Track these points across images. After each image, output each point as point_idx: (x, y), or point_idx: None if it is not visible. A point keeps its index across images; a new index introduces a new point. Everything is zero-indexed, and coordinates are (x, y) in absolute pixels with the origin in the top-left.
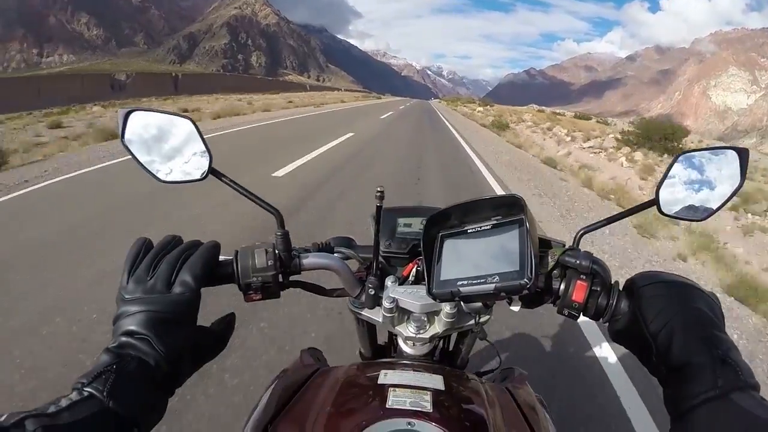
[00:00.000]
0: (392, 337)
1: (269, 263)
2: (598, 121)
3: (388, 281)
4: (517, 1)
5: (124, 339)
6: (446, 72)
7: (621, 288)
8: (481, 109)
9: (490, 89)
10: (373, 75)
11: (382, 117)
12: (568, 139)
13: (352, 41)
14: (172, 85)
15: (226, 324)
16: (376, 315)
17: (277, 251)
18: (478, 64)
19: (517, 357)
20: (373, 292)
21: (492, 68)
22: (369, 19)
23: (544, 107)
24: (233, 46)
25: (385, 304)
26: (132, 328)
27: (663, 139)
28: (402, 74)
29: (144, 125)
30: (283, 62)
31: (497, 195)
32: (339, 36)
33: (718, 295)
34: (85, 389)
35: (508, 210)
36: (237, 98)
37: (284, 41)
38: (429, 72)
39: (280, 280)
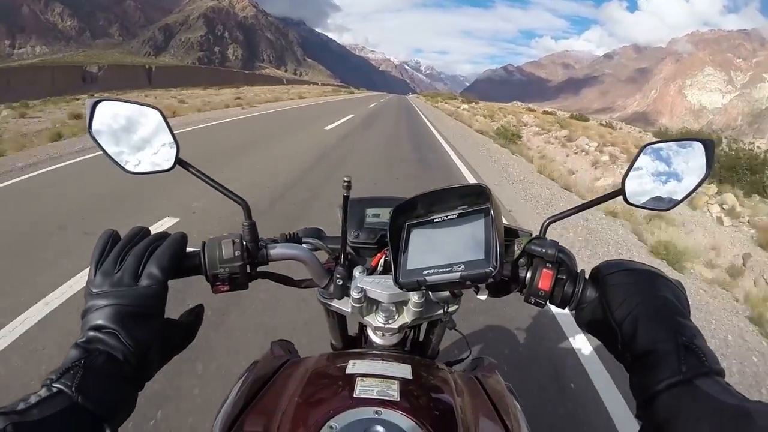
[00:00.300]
0: (362, 328)
1: (236, 254)
2: (601, 124)
3: (356, 271)
4: None
5: (92, 334)
6: (424, 67)
7: (587, 276)
8: (466, 106)
9: (468, 85)
10: (351, 69)
11: (332, 126)
12: (605, 157)
13: (330, 35)
14: (146, 77)
15: (195, 316)
16: (344, 306)
17: (244, 242)
18: (456, 59)
19: (488, 343)
20: (341, 283)
21: (470, 64)
22: (347, 13)
23: (532, 105)
24: (210, 39)
25: (353, 294)
26: (100, 322)
27: (747, 171)
28: (380, 69)
29: (111, 116)
30: (260, 55)
31: (463, 184)
32: (317, 29)
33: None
34: (54, 385)
35: (474, 199)
36: (177, 95)
37: (262, 34)
38: (407, 67)
39: (248, 271)
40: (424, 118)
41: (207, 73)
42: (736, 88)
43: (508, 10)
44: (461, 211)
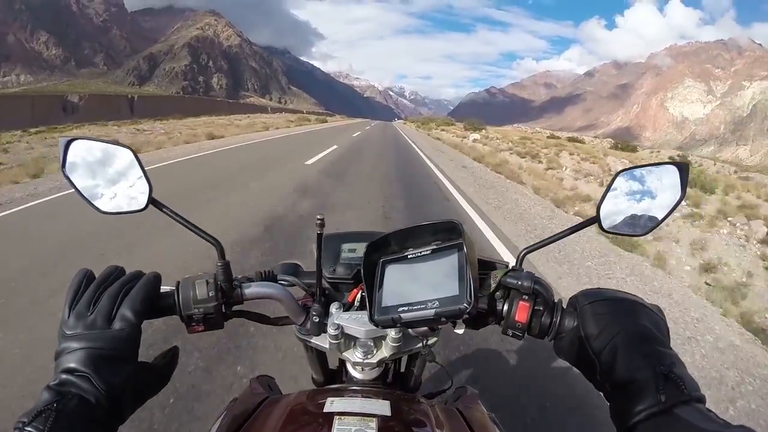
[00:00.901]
0: (342, 362)
1: (210, 294)
2: (620, 147)
3: (333, 308)
4: (478, 22)
5: (64, 377)
6: (408, 92)
7: (564, 306)
8: (477, 136)
9: (452, 108)
10: (336, 96)
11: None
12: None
13: (315, 63)
14: (128, 107)
15: (169, 359)
16: (323, 342)
17: (218, 282)
18: (439, 84)
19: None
20: (317, 320)
21: (453, 88)
22: (332, 41)
23: (521, 125)
24: (194, 68)
25: (330, 331)
26: (72, 365)
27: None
28: (365, 95)
29: (84, 155)
30: (244, 84)
31: (436, 221)
32: (302, 58)
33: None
34: (26, 429)
35: (448, 235)
36: (147, 127)
37: (246, 63)
38: (391, 93)
39: (223, 310)
40: (421, 156)
41: (190, 102)
42: (717, 97)
43: (489, 34)
44: (435, 246)
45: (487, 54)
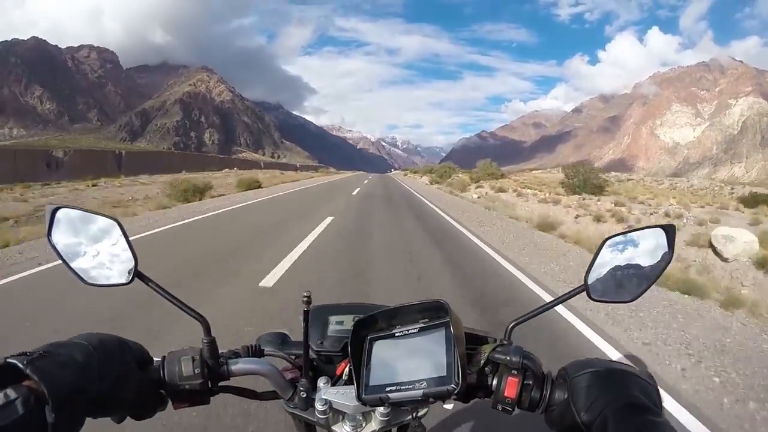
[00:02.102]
0: None
1: (196, 371)
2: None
3: (321, 382)
4: (464, 69)
5: None
6: (400, 142)
7: (554, 377)
8: (539, 191)
9: (444, 155)
10: (330, 149)
11: None
12: None
13: (308, 117)
14: (115, 163)
15: (152, 401)
16: (311, 415)
17: (204, 359)
18: (430, 131)
19: None
20: (305, 395)
21: (444, 135)
22: (323, 95)
23: (510, 167)
24: (186, 124)
25: (318, 406)
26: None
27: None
28: (358, 147)
29: (70, 223)
30: (237, 139)
31: (423, 301)
32: (295, 112)
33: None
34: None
35: (435, 313)
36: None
37: (238, 118)
38: (384, 143)
39: (209, 386)
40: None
41: (180, 158)
42: (705, 119)
43: (476, 79)
44: (422, 324)
45: (475, 99)
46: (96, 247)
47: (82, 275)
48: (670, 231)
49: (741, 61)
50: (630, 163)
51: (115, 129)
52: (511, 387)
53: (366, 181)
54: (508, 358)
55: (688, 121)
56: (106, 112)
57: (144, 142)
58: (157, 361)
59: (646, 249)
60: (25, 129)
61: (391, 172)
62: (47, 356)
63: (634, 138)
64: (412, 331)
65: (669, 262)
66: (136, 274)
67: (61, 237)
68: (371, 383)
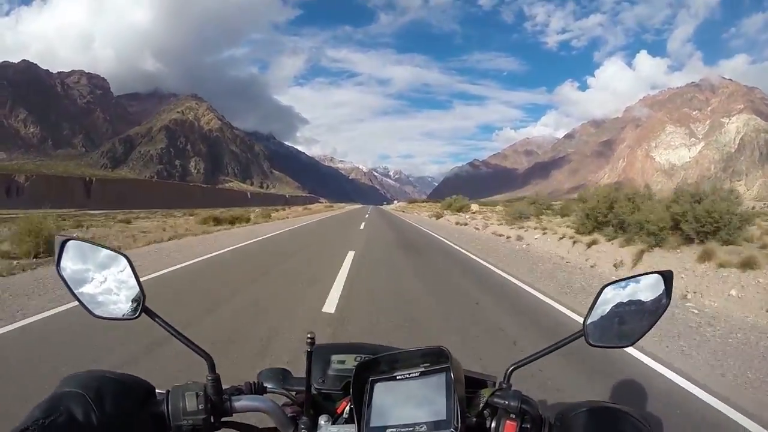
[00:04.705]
0: None
1: (200, 407)
2: None
3: (322, 420)
4: (454, 98)
5: (56, 394)
6: (392, 172)
7: (552, 420)
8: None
9: (436, 185)
10: (322, 180)
11: None
12: None
13: (299, 147)
14: (84, 192)
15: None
16: None
17: (208, 395)
18: (422, 161)
19: None
20: None
21: (435, 164)
22: (315, 125)
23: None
24: (171, 151)
25: None
26: (67, 389)
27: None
28: (350, 177)
29: (79, 256)
30: (224, 169)
31: (425, 347)
32: (287, 143)
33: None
34: None
35: (436, 358)
36: None
37: (226, 147)
38: (376, 173)
39: (212, 421)
40: None
41: (159, 187)
42: (699, 138)
43: (466, 109)
44: (423, 369)
45: (466, 128)
46: (105, 281)
47: (89, 308)
48: (668, 276)
49: (731, 80)
50: (627, 186)
51: (97, 155)
52: (509, 431)
53: (362, 226)
54: (506, 402)
55: (682, 142)
56: (92, 139)
57: (126, 169)
58: (161, 393)
59: (644, 294)
60: (6, 152)
61: (385, 205)
62: (45, 425)
63: (629, 161)
64: (414, 374)
65: (667, 306)
66: (144, 308)
67: (70, 269)
68: (372, 424)
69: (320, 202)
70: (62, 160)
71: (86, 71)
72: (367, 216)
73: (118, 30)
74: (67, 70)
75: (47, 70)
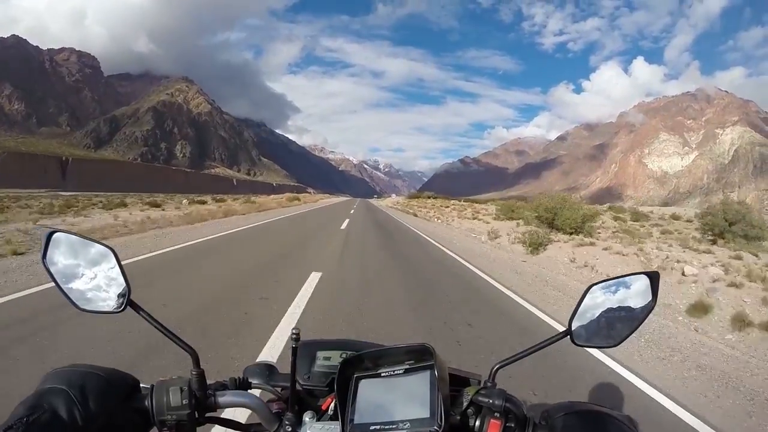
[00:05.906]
0: None
1: (184, 402)
2: None
3: (306, 417)
4: (448, 94)
5: (40, 390)
6: (383, 165)
7: (537, 420)
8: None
9: (426, 180)
10: (311, 169)
11: None
12: None
13: (291, 136)
14: (59, 172)
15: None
16: None
17: (192, 390)
18: (413, 156)
19: None
20: (290, 429)
21: (426, 159)
22: (307, 114)
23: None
24: (157, 133)
25: None
26: (49, 385)
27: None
28: (340, 168)
29: (66, 248)
30: (211, 154)
31: (409, 344)
32: (278, 131)
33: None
34: None
35: (420, 356)
36: None
37: (215, 132)
38: (366, 166)
39: (196, 416)
40: None
41: (139, 170)
42: (693, 148)
43: (459, 105)
44: (408, 366)
45: (458, 125)
46: (90, 274)
47: (74, 300)
48: (654, 277)
49: (726, 91)
50: (618, 191)
51: (81, 135)
52: (493, 429)
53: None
54: (490, 401)
55: (676, 150)
56: (78, 118)
57: (110, 150)
58: (145, 388)
59: (630, 294)
60: None
61: (374, 198)
62: (30, 423)
63: (621, 166)
64: (398, 372)
65: (653, 307)
66: (129, 302)
67: (55, 261)
68: (356, 421)
69: (308, 192)
70: (45, 138)
71: (77, 49)
72: (355, 205)
73: (111, 7)
74: (57, 47)
75: (36, 47)
